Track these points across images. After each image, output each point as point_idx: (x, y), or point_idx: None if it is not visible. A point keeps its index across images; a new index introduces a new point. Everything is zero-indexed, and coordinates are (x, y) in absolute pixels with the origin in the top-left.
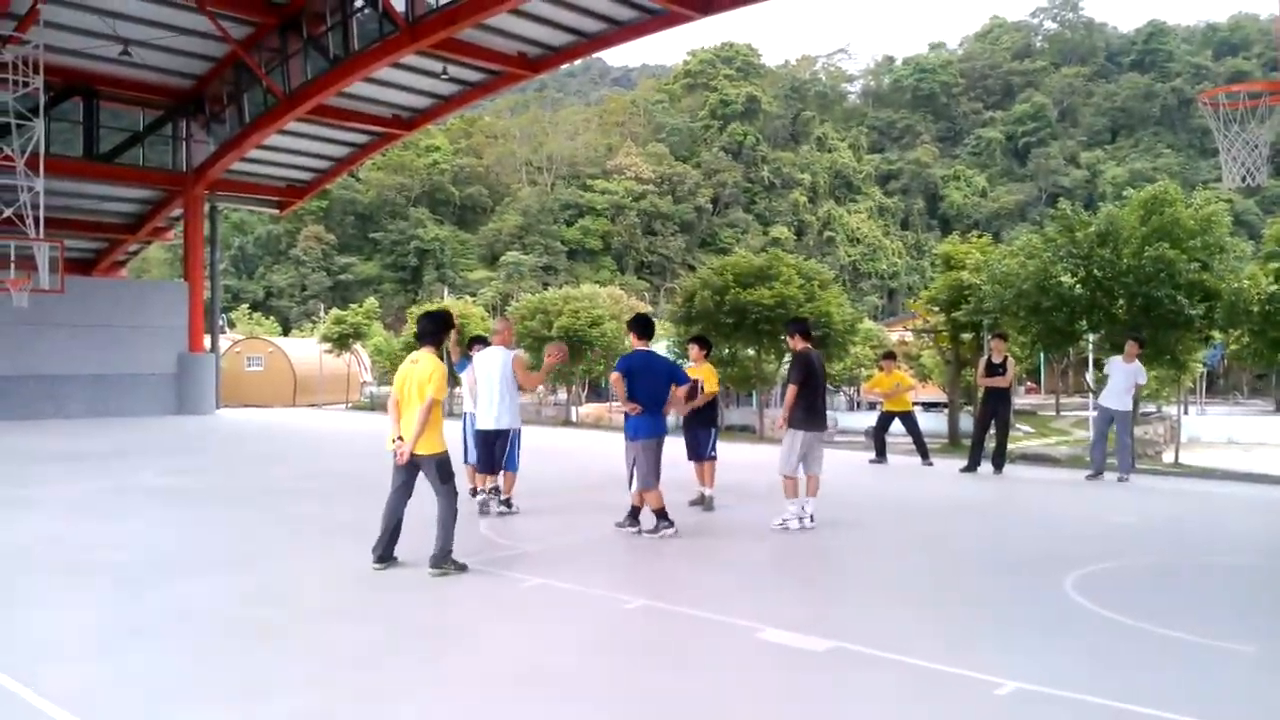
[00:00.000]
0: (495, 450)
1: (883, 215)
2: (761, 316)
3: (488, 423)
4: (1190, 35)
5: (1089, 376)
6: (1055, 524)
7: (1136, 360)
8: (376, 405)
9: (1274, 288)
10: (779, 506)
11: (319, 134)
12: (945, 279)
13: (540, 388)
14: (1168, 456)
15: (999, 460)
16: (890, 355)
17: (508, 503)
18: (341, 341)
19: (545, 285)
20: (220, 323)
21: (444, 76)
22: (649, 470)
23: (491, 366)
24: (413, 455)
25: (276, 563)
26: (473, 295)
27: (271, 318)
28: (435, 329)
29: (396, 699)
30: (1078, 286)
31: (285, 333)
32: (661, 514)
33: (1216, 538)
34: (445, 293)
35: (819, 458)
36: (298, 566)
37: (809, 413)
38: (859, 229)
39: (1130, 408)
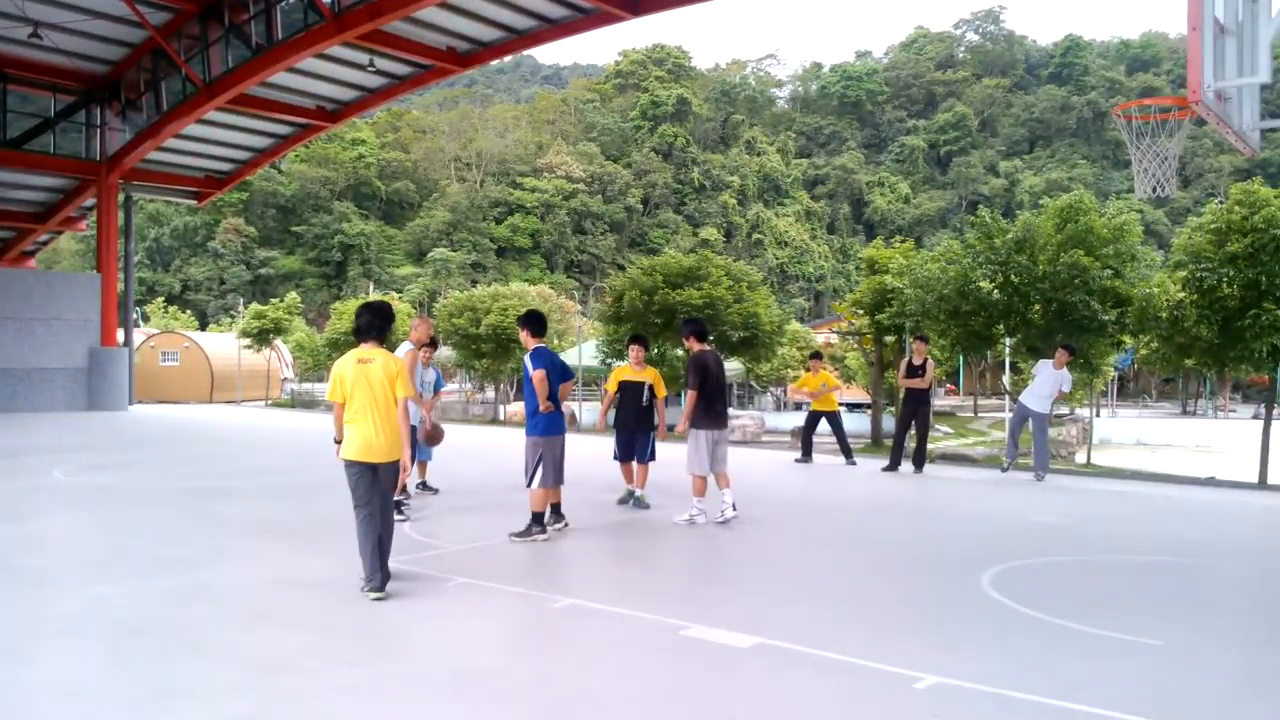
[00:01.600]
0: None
1: (810, 219)
2: (690, 316)
3: None
4: (1105, 50)
5: (1005, 379)
6: (973, 522)
7: (1065, 369)
8: (297, 402)
9: (1181, 295)
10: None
11: (240, 124)
12: (869, 283)
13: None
14: (1080, 457)
15: (919, 459)
16: (817, 356)
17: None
18: (261, 337)
19: (474, 283)
20: (134, 316)
21: (371, 69)
22: (553, 468)
23: None
24: (374, 463)
25: (199, 565)
26: (399, 292)
27: (189, 312)
28: (379, 323)
29: (327, 702)
30: (995, 292)
31: (203, 327)
32: (539, 518)
33: (1129, 536)
34: (371, 289)
35: (723, 455)
36: (222, 569)
37: (709, 412)
38: (787, 232)
39: (1048, 410)
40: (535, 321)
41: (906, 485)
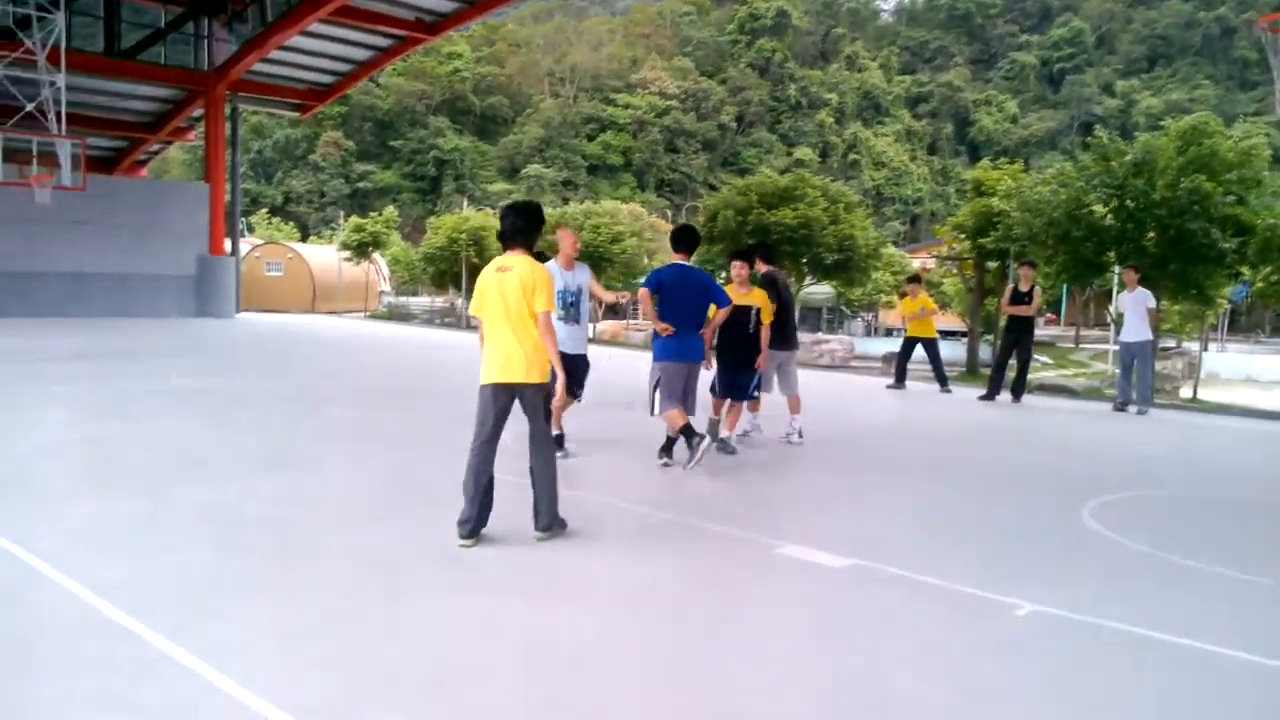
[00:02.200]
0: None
1: (910, 139)
2: (785, 237)
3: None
4: None
5: (1111, 308)
6: (1073, 453)
7: (1139, 287)
8: (394, 314)
9: None
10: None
11: (341, 36)
12: (974, 205)
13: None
14: (1185, 392)
15: (1018, 389)
16: (915, 279)
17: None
18: (361, 250)
19: (565, 200)
20: (240, 227)
21: None
22: (669, 394)
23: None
24: (514, 384)
25: (306, 467)
26: (493, 208)
27: (291, 223)
28: (527, 225)
29: (425, 601)
30: (1109, 217)
31: (304, 239)
32: (689, 430)
33: (1233, 472)
34: (465, 204)
35: (793, 378)
36: (326, 472)
37: (778, 335)
38: (885, 153)
39: (1149, 336)
40: (679, 236)
41: (1003, 414)
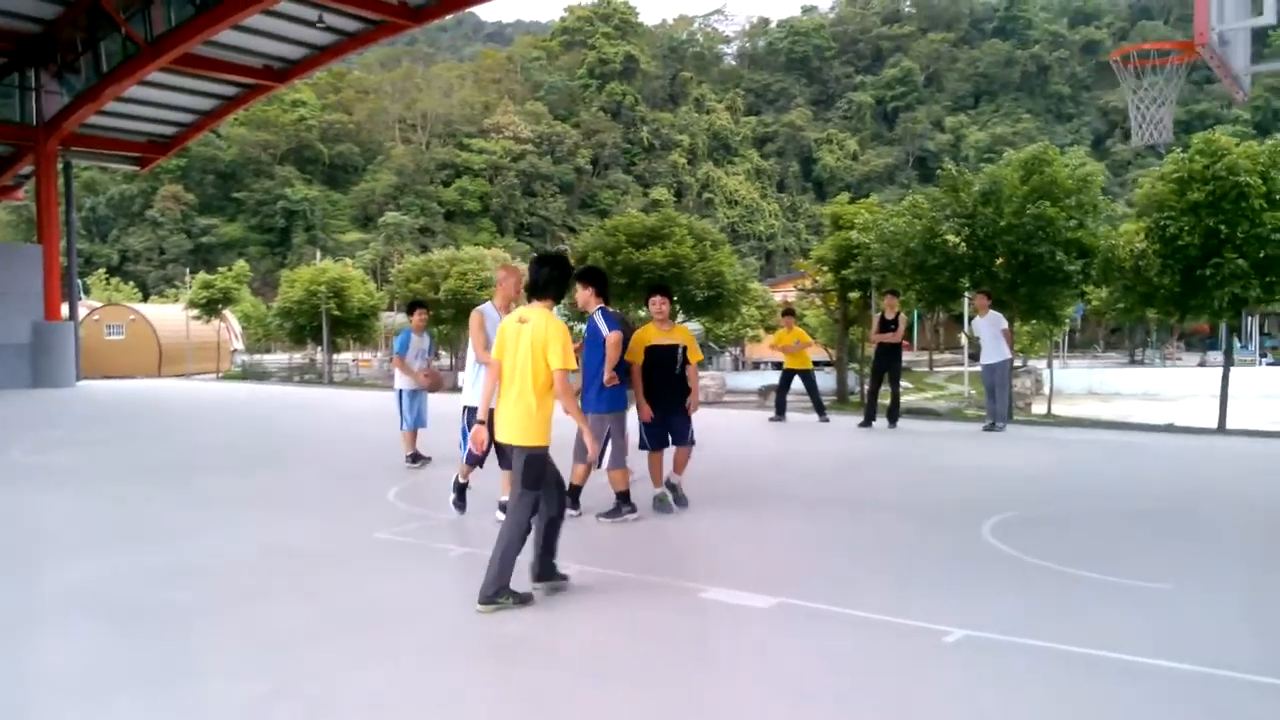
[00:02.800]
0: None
1: (760, 177)
2: (655, 276)
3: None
4: (1049, 3)
5: (966, 332)
6: (958, 474)
7: (991, 310)
8: (249, 373)
9: (1143, 244)
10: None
11: (184, 85)
12: (834, 239)
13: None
14: (1037, 408)
15: (894, 414)
16: (790, 313)
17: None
18: (210, 307)
19: (424, 248)
20: (77, 289)
21: (320, 25)
22: (622, 447)
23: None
24: (505, 444)
25: (178, 541)
26: (351, 258)
27: (130, 283)
28: (561, 276)
29: (343, 676)
30: (962, 245)
31: (144, 299)
32: (624, 497)
33: (1110, 483)
34: (318, 255)
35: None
36: (202, 545)
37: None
38: (737, 191)
39: (1007, 356)
40: (599, 278)
41: (884, 441)
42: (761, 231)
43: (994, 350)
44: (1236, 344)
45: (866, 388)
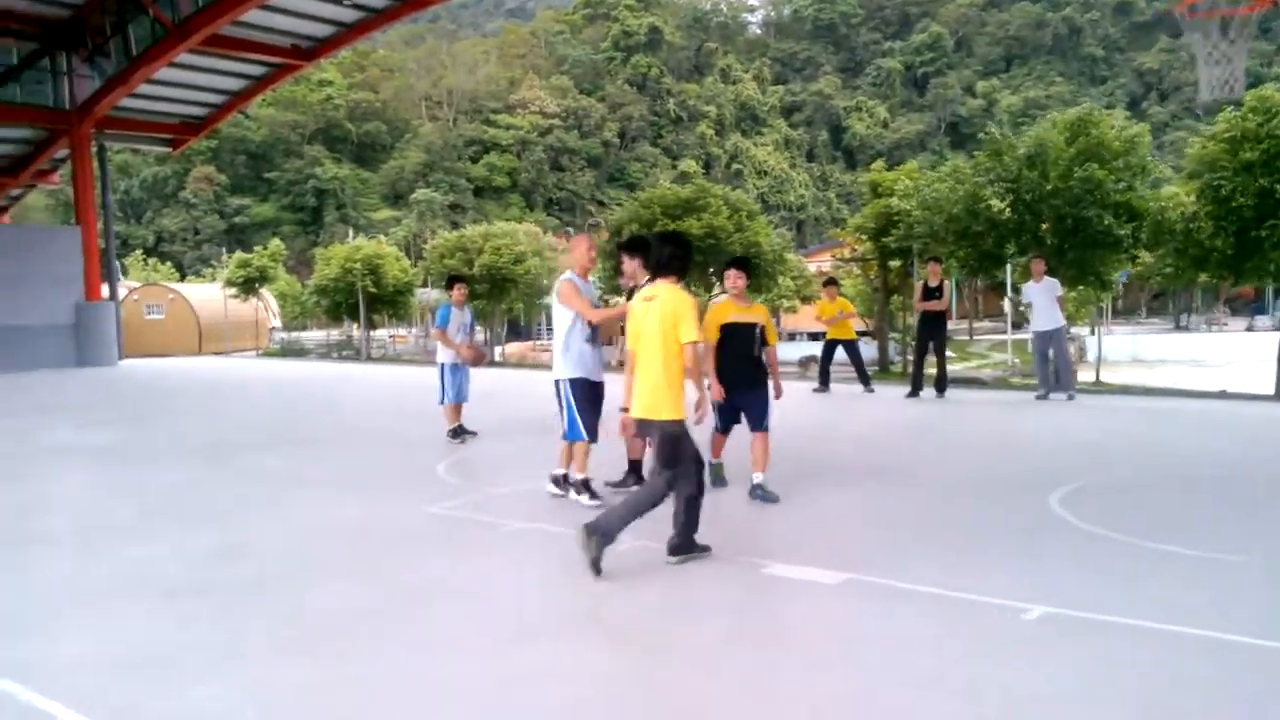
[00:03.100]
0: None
1: (788, 147)
2: (693, 247)
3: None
4: None
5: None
6: (1017, 445)
7: (1045, 276)
8: (288, 350)
9: (1195, 206)
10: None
11: (213, 66)
12: (874, 206)
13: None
14: (1083, 375)
15: (941, 384)
16: (832, 282)
17: (572, 483)
18: (247, 286)
19: (454, 224)
20: (116, 269)
21: (347, 3)
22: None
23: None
24: (644, 420)
25: (231, 520)
26: (385, 235)
27: (168, 264)
28: (680, 254)
29: (405, 660)
30: (1006, 210)
31: (181, 279)
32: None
33: (1174, 452)
34: (350, 234)
35: None
36: (254, 523)
37: None
38: (766, 161)
39: (1062, 323)
40: (645, 245)
41: (934, 410)
42: (792, 202)
43: (1049, 317)
44: None
45: (911, 358)
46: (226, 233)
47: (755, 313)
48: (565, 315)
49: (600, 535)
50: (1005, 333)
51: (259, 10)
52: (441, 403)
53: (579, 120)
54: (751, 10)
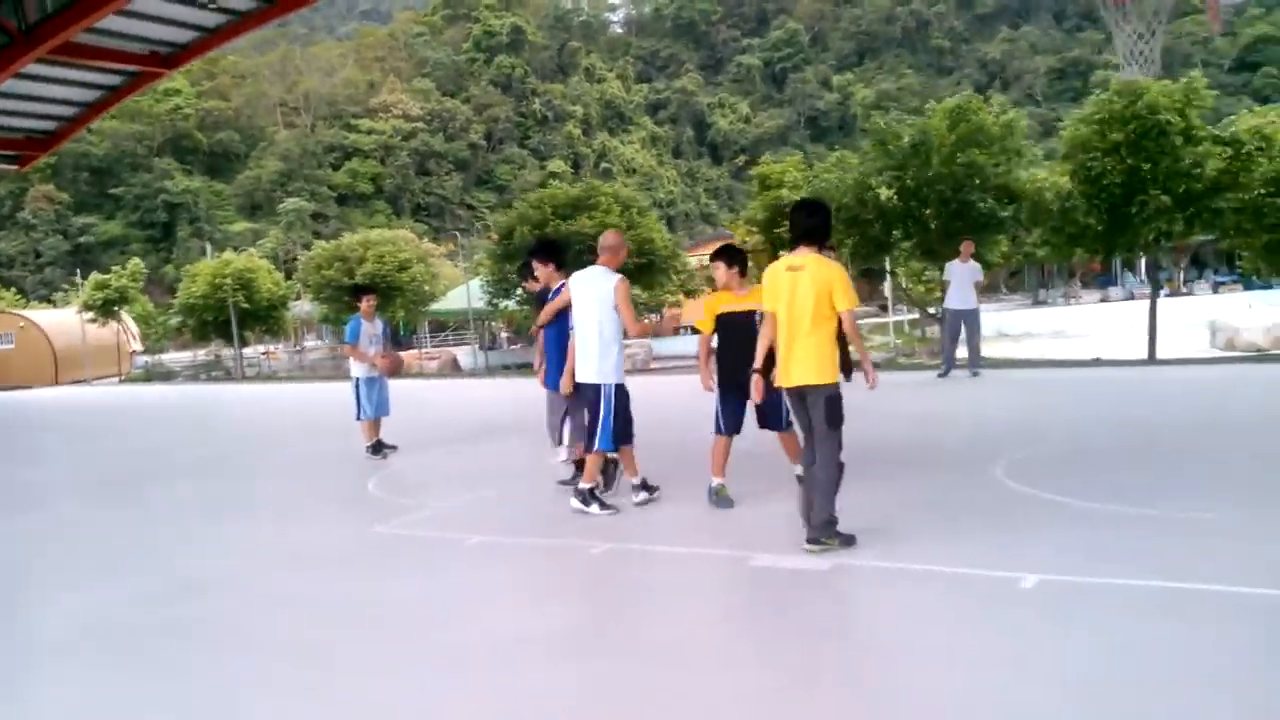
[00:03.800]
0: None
1: (655, 144)
2: (586, 246)
3: (588, 373)
4: None
5: (887, 286)
6: (937, 421)
7: (972, 260)
8: (153, 375)
9: (1069, 186)
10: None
11: (63, 76)
12: (763, 199)
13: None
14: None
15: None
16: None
17: (644, 485)
18: (106, 309)
19: (316, 234)
20: None
21: (211, 6)
22: (581, 424)
23: (592, 293)
24: (800, 387)
25: (166, 558)
26: (254, 248)
27: (11, 289)
28: (824, 224)
29: (391, 686)
30: (894, 197)
31: (23, 306)
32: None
33: (1090, 419)
34: (208, 249)
35: None
36: (194, 559)
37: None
38: (634, 159)
39: (976, 305)
40: (557, 250)
41: (846, 393)
42: (661, 198)
43: (968, 296)
44: (1131, 277)
45: None
46: (71, 254)
47: (752, 299)
48: (613, 317)
49: (827, 532)
50: (880, 317)
51: (116, 17)
52: (359, 418)
53: (444, 123)
54: (613, 9)
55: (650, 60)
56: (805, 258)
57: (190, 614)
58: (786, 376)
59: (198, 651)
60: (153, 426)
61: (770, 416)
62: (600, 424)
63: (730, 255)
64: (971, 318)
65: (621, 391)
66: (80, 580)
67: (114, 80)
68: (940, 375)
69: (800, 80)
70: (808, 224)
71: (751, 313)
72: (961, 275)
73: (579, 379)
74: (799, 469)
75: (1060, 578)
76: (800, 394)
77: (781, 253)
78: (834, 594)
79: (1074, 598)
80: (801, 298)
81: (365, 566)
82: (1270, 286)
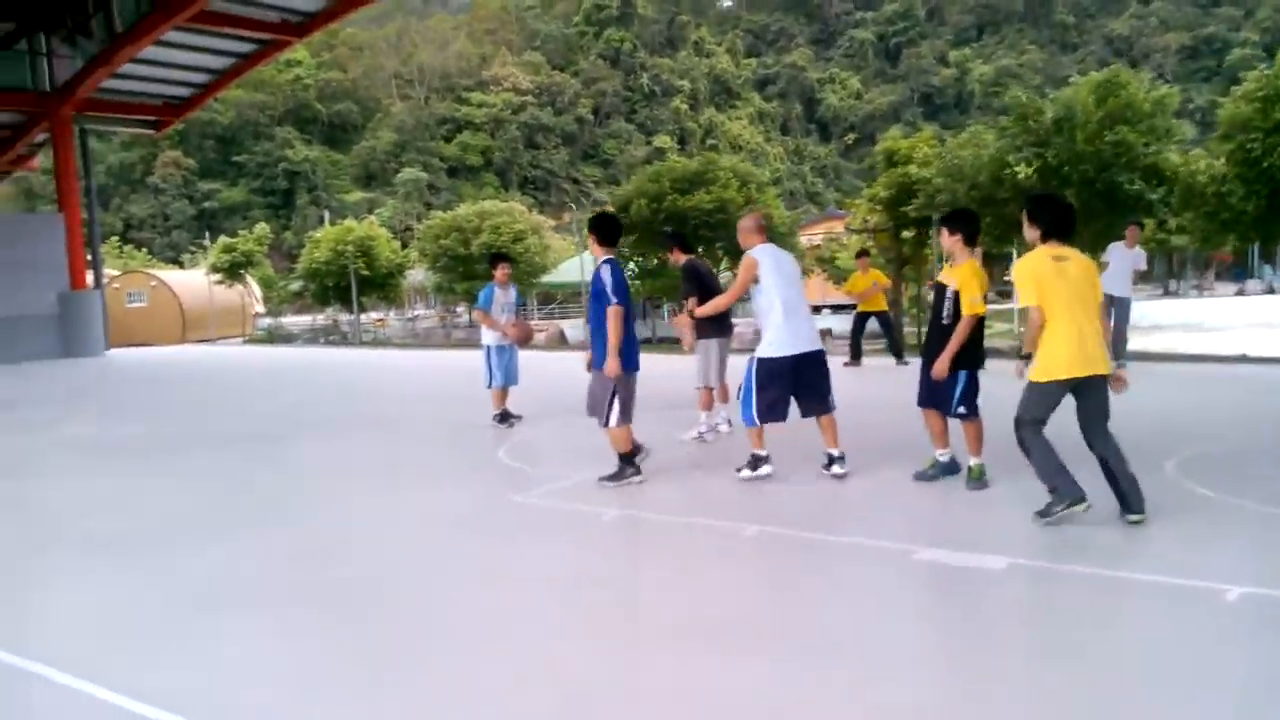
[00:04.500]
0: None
1: (763, 121)
2: (702, 222)
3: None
4: None
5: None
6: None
7: (1138, 246)
8: (274, 338)
9: (1225, 169)
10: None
11: (198, 44)
12: (890, 175)
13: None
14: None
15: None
16: (864, 253)
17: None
18: (232, 272)
19: (427, 205)
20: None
21: None
22: (628, 404)
23: (788, 265)
24: (1091, 376)
25: (305, 516)
26: (373, 215)
27: (144, 250)
28: (1069, 216)
29: (584, 658)
30: (1034, 176)
31: (153, 267)
32: (628, 458)
33: (1248, 416)
34: (326, 217)
35: (725, 366)
36: (333, 519)
37: (719, 320)
38: (741, 135)
39: (1130, 295)
40: (608, 227)
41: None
42: (768, 176)
43: (1125, 284)
44: (1270, 270)
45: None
46: (196, 218)
47: (955, 274)
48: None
49: (1061, 495)
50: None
51: None
52: (489, 386)
53: (553, 97)
54: None
55: (760, 34)
56: (1069, 250)
57: (329, 578)
58: (1082, 363)
59: (339, 621)
60: (280, 385)
61: (945, 396)
62: (829, 387)
63: (961, 222)
64: (1123, 306)
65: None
66: (217, 533)
67: (245, 48)
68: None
69: (915, 55)
70: (1066, 219)
71: (945, 287)
72: (1122, 259)
73: (809, 348)
74: (945, 454)
75: (1263, 591)
76: (1081, 383)
77: (904, 232)
78: (1009, 595)
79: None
80: (1074, 288)
81: (509, 536)
82: None
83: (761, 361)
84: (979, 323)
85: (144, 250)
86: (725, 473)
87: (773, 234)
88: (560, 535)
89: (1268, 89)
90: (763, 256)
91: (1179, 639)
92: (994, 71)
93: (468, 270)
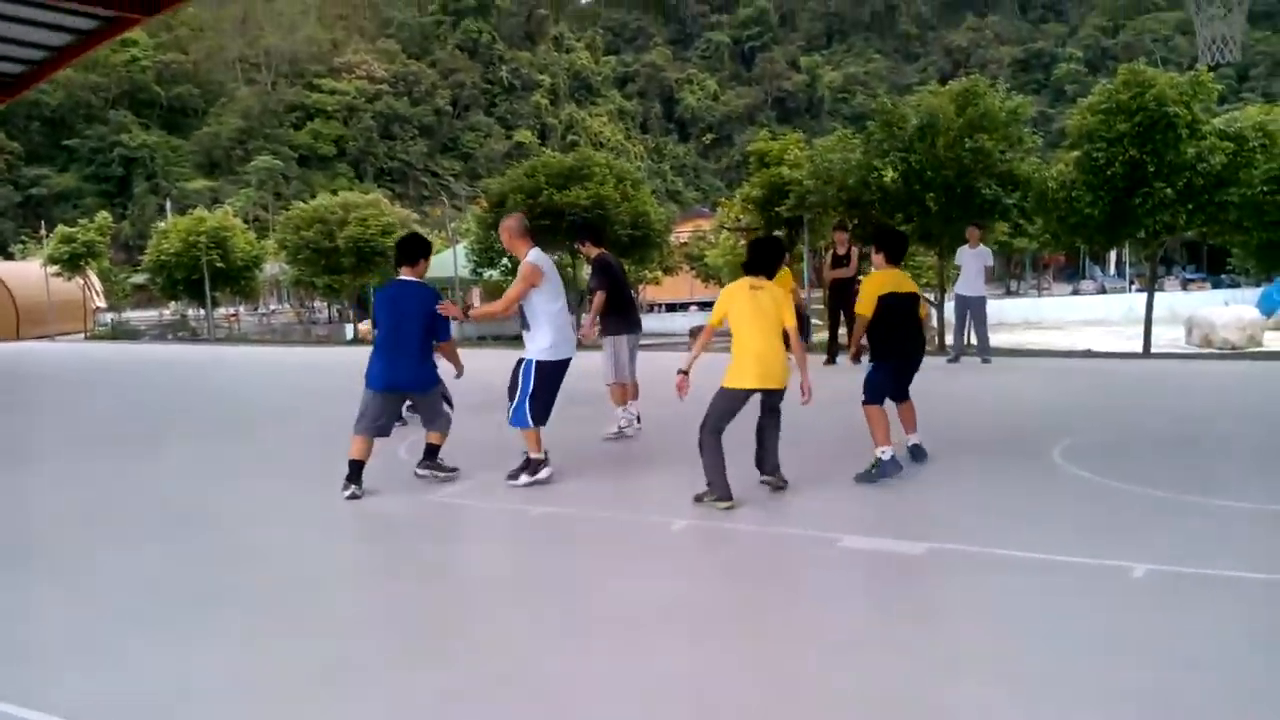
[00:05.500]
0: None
1: (623, 118)
2: (579, 218)
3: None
4: None
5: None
6: (972, 406)
7: (981, 245)
8: (119, 334)
9: (1073, 175)
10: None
11: (33, 17)
12: (762, 176)
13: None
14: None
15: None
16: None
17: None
18: (73, 263)
19: (278, 195)
20: None
21: None
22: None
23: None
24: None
25: (206, 518)
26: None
27: None
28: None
29: (545, 659)
30: (898, 180)
31: None
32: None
33: (1117, 409)
34: (168, 206)
35: (634, 362)
36: (242, 518)
37: (625, 317)
38: (602, 132)
39: (983, 293)
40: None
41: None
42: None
43: (975, 284)
44: (1100, 271)
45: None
46: (21, 205)
47: (911, 284)
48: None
49: (713, 490)
50: None
51: None
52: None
53: (409, 86)
54: None
55: (619, 32)
56: (762, 281)
57: (245, 581)
58: (770, 379)
59: (269, 623)
60: (139, 384)
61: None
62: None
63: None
64: (978, 305)
65: None
66: (137, 535)
67: (87, 25)
68: (950, 361)
69: (768, 60)
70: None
71: (913, 295)
72: (972, 261)
73: (572, 354)
74: (914, 438)
75: (1166, 568)
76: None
77: (777, 232)
78: (932, 580)
79: (1191, 589)
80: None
81: (433, 536)
82: (1238, 285)
83: (541, 365)
84: (864, 320)
85: None
86: (650, 467)
87: (649, 232)
88: (492, 534)
89: (1109, 102)
90: (541, 262)
91: (1093, 609)
92: (842, 78)
93: (331, 264)
